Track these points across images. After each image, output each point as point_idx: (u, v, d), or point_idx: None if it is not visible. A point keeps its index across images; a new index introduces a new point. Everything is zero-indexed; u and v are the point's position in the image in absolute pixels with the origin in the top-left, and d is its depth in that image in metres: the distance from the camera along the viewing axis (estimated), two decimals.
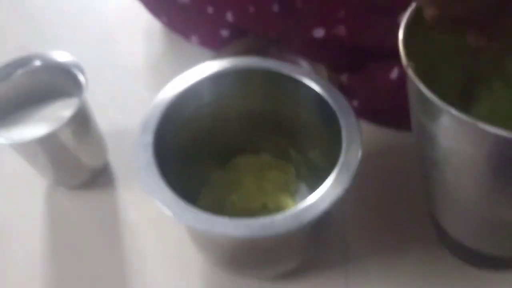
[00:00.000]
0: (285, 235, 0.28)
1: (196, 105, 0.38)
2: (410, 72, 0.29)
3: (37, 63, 0.43)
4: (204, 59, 0.40)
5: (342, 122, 0.33)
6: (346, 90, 0.46)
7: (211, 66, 0.37)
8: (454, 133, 0.28)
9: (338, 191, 0.30)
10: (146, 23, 0.58)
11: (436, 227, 0.38)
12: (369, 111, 0.45)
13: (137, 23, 0.59)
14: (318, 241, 0.38)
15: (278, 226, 0.28)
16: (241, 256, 0.35)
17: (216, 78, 0.37)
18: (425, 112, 0.29)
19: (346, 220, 0.41)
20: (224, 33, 0.50)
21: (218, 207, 0.39)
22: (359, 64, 0.45)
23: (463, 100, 0.37)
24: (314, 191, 0.30)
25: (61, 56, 0.43)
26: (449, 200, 0.33)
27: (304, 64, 0.47)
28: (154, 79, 0.54)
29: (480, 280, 0.37)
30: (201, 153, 0.40)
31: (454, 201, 0.33)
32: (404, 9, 0.42)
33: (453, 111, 0.26)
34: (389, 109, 0.43)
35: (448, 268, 0.38)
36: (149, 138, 0.34)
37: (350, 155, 0.31)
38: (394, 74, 0.43)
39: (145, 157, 0.33)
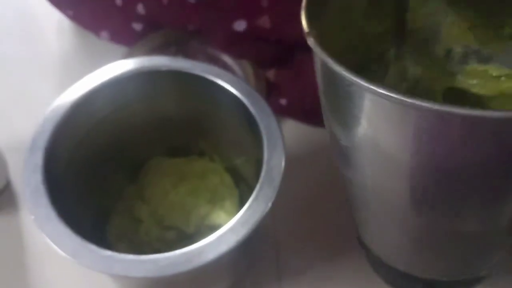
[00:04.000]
0: (200, 269, 0.24)
1: (99, 113, 0.33)
2: (311, 42, 0.22)
3: None
4: (116, 57, 0.36)
5: (262, 127, 0.29)
6: (273, 88, 0.42)
7: (113, 69, 0.32)
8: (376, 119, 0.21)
9: (261, 211, 0.26)
10: (59, 18, 0.52)
11: (364, 248, 0.34)
12: (298, 110, 0.41)
13: (50, 17, 0.53)
14: (249, 257, 0.34)
15: (190, 262, 0.24)
16: None
17: (120, 82, 0.32)
18: (334, 101, 0.23)
19: (278, 227, 0.38)
20: (137, 26, 0.45)
21: (132, 227, 0.34)
22: (285, 59, 0.42)
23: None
24: (244, 202, 0.26)
25: None
26: (374, 223, 0.29)
27: (228, 60, 0.43)
28: (63, 80, 0.48)
29: None
30: (110, 167, 0.35)
31: (378, 224, 0.29)
32: None
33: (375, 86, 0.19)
34: (318, 107, 0.39)
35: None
36: (38, 158, 0.28)
37: (273, 165, 0.27)
38: None
39: (33, 181, 0.28)
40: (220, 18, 0.41)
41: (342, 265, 0.36)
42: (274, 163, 0.28)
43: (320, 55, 0.22)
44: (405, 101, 0.19)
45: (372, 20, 0.30)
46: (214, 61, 0.43)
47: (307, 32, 0.23)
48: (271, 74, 0.42)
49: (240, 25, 0.40)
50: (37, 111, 0.45)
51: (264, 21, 0.40)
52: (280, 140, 0.28)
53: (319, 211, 0.38)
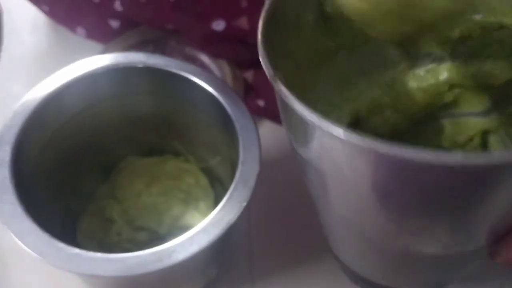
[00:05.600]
0: (171, 269, 0.23)
1: (71, 109, 0.32)
2: (279, 86, 0.21)
3: None
4: (92, 54, 0.35)
5: (239, 127, 0.28)
6: (251, 89, 0.42)
7: (87, 64, 0.32)
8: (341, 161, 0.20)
9: (234, 212, 0.25)
10: (34, 13, 0.51)
11: (334, 257, 0.33)
12: (275, 111, 0.41)
13: (25, 12, 0.51)
14: (222, 260, 0.34)
15: (160, 261, 0.23)
16: None
17: (93, 78, 0.31)
18: (304, 137, 0.22)
19: (252, 229, 0.37)
20: (114, 24, 0.44)
21: (103, 227, 0.34)
22: None
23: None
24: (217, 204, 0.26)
25: None
26: (339, 232, 0.28)
27: (206, 59, 0.43)
28: (37, 76, 0.47)
29: None
30: (82, 166, 0.34)
31: (346, 235, 0.27)
32: None
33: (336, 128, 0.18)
34: None
35: None
36: (5, 153, 0.27)
37: (248, 166, 0.27)
38: None
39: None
40: (199, 17, 0.40)
41: (316, 270, 0.36)
42: (249, 164, 0.27)
43: (287, 100, 0.21)
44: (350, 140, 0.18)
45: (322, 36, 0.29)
46: (191, 60, 0.43)
47: (271, 77, 0.22)
48: (249, 75, 0.42)
49: (218, 25, 0.40)
50: (8, 106, 0.44)
51: (243, 22, 0.39)
52: (256, 141, 0.28)
53: (293, 214, 0.38)
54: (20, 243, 0.25)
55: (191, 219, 0.33)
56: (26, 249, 0.24)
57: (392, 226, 0.23)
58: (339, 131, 0.18)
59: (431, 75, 0.32)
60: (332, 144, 0.20)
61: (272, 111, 0.41)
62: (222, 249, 0.31)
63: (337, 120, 0.30)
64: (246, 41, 0.41)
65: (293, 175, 0.39)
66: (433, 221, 0.22)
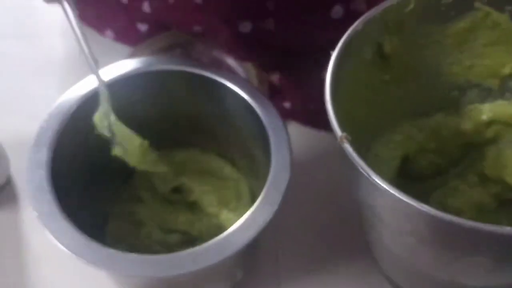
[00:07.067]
0: (203, 272, 0.24)
1: None
2: (347, 146, 0.25)
3: None
4: (121, 57, 0.36)
5: (270, 131, 0.28)
6: (277, 91, 0.42)
7: (119, 67, 0.32)
8: (395, 213, 0.25)
9: (266, 215, 0.26)
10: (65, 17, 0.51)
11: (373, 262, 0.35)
12: (302, 113, 0.41)
13: (55, 16, 0.52)
14: (249, 261, 0.34)
15: (194, 263, 0.24)
16: None
17: (126, 81, 0.32)
18: (362, 188, 0.26)
19: (280, 232, 0.37)
20: (142, 27, 0.45)
21: (132, 230, 0.34)
22: (290, 62, 0.42)
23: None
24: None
25: None
26: (386, 252, 0.31)
27: (232, 62, 0.43)
28: (65, 79, 0.48)
29: None
30: (108, 168, 0.34)
31: (392, 256, 0.30)
32: (338, 2, 0.39)
33: (398, 194, 0.23)
34: (322, 110, 0.39)
35: None
36: (43, 154, 0.28)
37: (279, 170, 0.27)
38: None
39: (37, 178, 0.28)
40: (225, 19, 0.41)
41: (342, 275, 0.36)
42: (280, 168, 0.28)
43: (356, 162, 0.24)
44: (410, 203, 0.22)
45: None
46: (218, 64, 0.43)
47: (340, 137, 0.25)
48: (275, 77, 0.42)
49: (245, 27, 0.40)
50: (40, 109, 0.45)
51: (270, 24, 0.40)
52: (287, 146, 0.28)
53: (320, 218, 0.38)
54: (57, 242, 0.25)
55: (225, 220, 0.33)
56: (63, 248, 0.25)
57: (435, 263, 0.26)
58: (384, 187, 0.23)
59: (475, 114, 0.35)
60: (385, 197, 0.24)
61: (299, 113, 0.41)
62: (250, 252, 0.32)
63: (389, 162, 0.34)
64: (272, 43, 0.41)
65: (321, 175, 0.40)
66: (472, 264, 0.25)
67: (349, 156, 0.24)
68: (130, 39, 0.46)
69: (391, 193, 0.22)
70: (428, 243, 0.25)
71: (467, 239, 0.23)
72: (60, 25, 0.52)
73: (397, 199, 0.22)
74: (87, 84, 0.32)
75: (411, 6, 0.31)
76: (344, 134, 0.25)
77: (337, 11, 0.40)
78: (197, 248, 0.24)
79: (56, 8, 0.49)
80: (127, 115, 0.33)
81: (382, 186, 0.23)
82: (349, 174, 0.27)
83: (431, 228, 0.24)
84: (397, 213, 0.25)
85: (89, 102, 0.31)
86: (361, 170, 0.24)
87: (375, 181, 0.23)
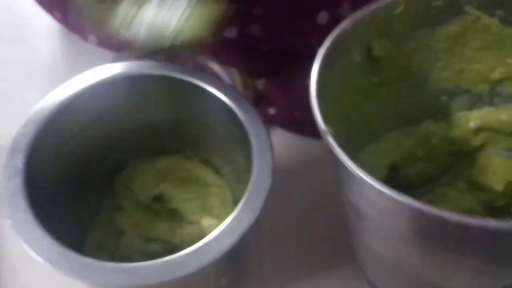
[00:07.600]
0: (183, 280, 0.23)
1: (84, 117, 0.32)
2: (330, 140, 0.24)
3: None
4: (105, 61, 0.35)
5: (251, 136, 0.28)
6: (262, 97, 0.42)
7: (100, 72, 0.32)
8: (381, 210, 0.24)
9: (247, 222, 0.25)
10: (49, 21, 0.51)
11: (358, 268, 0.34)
12: (287, 120, 0.41)
13: (41, 19, 0.52)
14: (233, 269, 0.33)
15: (172, 272, 0.23)
16: None
17: (106, 86, 0.31)
18: (349, 186, 0.26)
19: (264, 241, 0.37)
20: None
21: (113, 239, 0.33)
22: (276, 69, 0.41)
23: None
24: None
25: None
26: (372, 257, 0.30)
27: (217, 68, 0.42)
28: (51, 83, 0.47)
29: None
30: (90, 175, 0.34)
31: (379, 261, 0.30)
32: (324, 8, 0.39)
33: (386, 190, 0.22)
34: (308, 117, 0.39)
35: None
36: (18, 161, 0.28)
37: (261, 177, 0.27)
38: None
39: (12, 185, 0.27)
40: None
41: (327, 282, 0.35)
42: (262, 173, 0.27)
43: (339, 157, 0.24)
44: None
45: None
46: (202, 69, 0.43)
47: (324, 131, 0.25)
48: (260, 83, 0.42)
49: (231, 32, 0.40)
50: (23, 114, 0.44)
51: (255, 29, 0.39)
52: (269, 151, 0.28)
53: (304, 224, 0.38)
54: (32, 251, 0.24)
55: (208, 227, 0.33)
56: (38, 258, 0.24)
57: (423, 264, 0.26)
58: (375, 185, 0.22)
59: (463, 122, 0.35)
60: (371, 193, 0.23)
61: (284, 119, 0.41)
62: (233, 259, 0.31)
63: (377, 169, 0.34)
64: (258, 48, 0.40)
65: (305, 182, 0.39)
66: (461, 265, 0.25)
67: (332, 150, 0.24)
68: (113, 44, 0.45)
69: (376, 187, 0.22)
70: (415, 243, 0.25)
71: (454, 236, 0.22)
72: (43, 28, 0.52)
73: (380, 192, 0.22)
74: (68, 89, 0.31)
75: (401, 7, 0.30)
76: (328, 128, 0.25)
77: (323, 16, 0.39)
78: (176, 256, 0.24)
79: (41, 11, 0.48)
80: (108, 121, 0.33)
81: (367, 181, 0.22)
82: (335, 173, 0.27)
83: (416, 224, 0.23)
84: (384, 211, 0.24)
85: (70, 107, 0.31)
86: (345, 165, 0.23)
87: (359, 175, 0.23)
